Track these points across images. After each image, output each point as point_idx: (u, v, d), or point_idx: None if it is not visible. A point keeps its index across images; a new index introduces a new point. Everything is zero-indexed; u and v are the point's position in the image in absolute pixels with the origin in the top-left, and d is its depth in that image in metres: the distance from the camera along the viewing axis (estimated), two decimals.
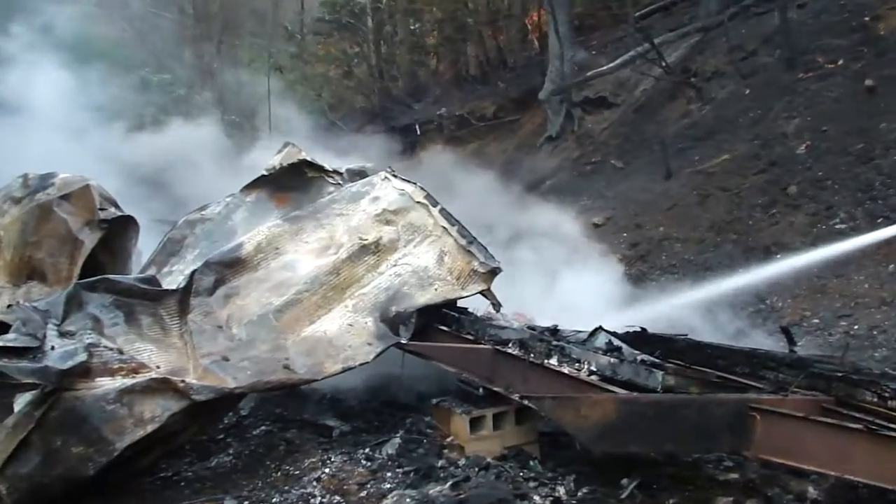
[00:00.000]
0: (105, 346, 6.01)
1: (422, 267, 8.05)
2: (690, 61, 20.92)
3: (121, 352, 6.08)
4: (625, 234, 15.24)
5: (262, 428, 7.37)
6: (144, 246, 9.25)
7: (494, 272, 8.13)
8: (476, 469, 5.97)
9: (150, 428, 5.71)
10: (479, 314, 8.17)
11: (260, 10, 33.65)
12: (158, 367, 6.18)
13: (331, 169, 9.45)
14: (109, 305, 6.56)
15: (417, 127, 29.71)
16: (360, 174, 9.50)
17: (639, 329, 7.39)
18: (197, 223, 8.91)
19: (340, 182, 9.32)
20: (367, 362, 6.94)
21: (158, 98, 23.89)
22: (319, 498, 5.88)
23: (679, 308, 10.49)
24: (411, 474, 6.02)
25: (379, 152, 18.40)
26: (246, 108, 27.17)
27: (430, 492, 5.69)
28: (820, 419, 5.19)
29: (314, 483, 6.06)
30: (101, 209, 8.67)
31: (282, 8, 34.88)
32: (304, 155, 9.31)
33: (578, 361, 6.39)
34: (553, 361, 6.50)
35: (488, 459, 6.11)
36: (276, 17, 33.73)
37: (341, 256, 7.88)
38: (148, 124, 19.46)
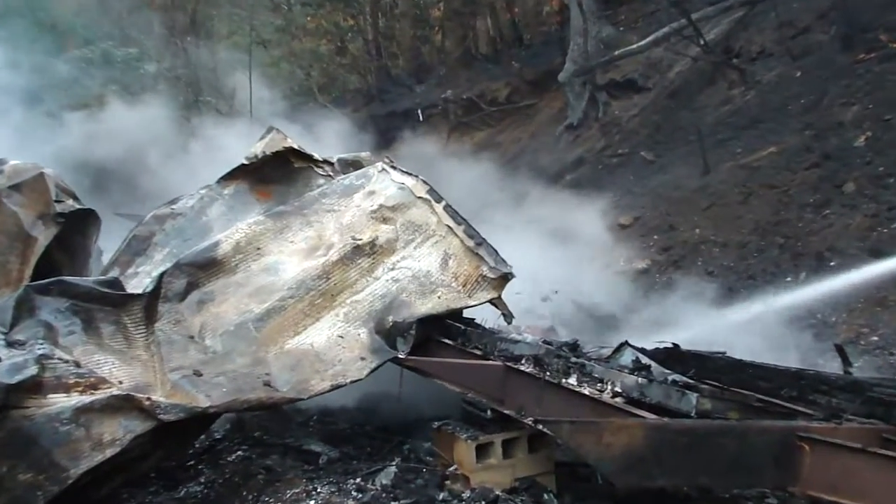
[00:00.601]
0: (59, 358, 5.99)
1: (423, 271, 8.06)
2: (733, 39, 20.96)
3: (77, 364, 6.05)
4: (655, 237, 15.26)
5: (239, 453, 7.38)
6: (106, 244, 9.26)
7: (506, 278, 8.12)
8: (483, 503, 5.96)
9: (109, 452, 5.66)
10: (488, 326, 8.17)
11: None
12: (121, 383, 6.17)
13: (321, 158, 9.45)
14: (65, 311, 6.55)
15: (419, 112, 29.75)
16: (353, 165, 9.51)
17: (670, 345, 7.38)
18: (167, 218, 8.90)
19: (331, 174, 9.33)
20: (359, 379, 6.90)
21: (122, 75, 23.92)
22: None
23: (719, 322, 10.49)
24: None
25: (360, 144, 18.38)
26: (223, 88, 27.20)
27: None
28: (879, 451, 5.13)
29: None
30: (58, 201, 8.67)
31: None
32: (290, 142, 9.30)
33: (601, 381, 6.37)
34: (572, 381, 6.49)
35: (497, 492, 6.10)
36: None
37: (331, 258, 7.89)
38: (110, 106, 19.49)
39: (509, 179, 17.92)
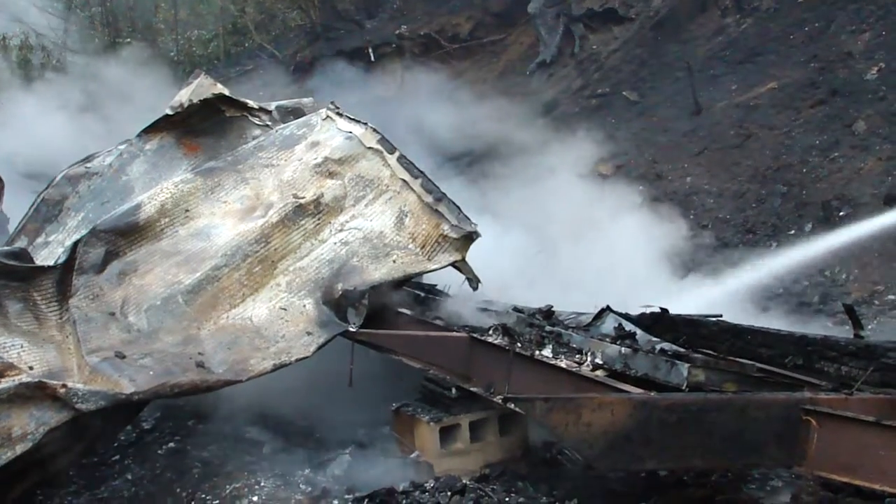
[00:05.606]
0: None
1: (376, 232, 8.01)
2: None
3: None
4: (641, 187, 15.20)
5: (171, 445, 7.36)
6: (12, 209, 9.18)
7: (471, 238, 8.03)
8: (448, 493, 5.97)
9: (20, 448, 5.64)
10: (451, 293, 8.16)
11: None
12: (31, 368, 6.13)
13: (256, 106, 9.37)
14: None
15: (370, 51, 29.57)
16: (294, 112, 9.43)
17: (658, 310, 7.39)
18: (81, 179, 8.83)
19: (268, 123, 9.25)
20: (306, 357, 6.90)
21: (25, 13, 23.72)
22: None
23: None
24: (365, 501, 6.03)
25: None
26: (145, 28, 26.99)
27: None
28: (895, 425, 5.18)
29: None
30: None
31: None
32: (220, 88, 9.21)
33: (579, 352, 6.40)
34: (546, 352, 6.51)
35: (464, 481, 6.12)
36: None
37: (271, 220, 7.84)
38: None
39: (472, 126, 17.83)
